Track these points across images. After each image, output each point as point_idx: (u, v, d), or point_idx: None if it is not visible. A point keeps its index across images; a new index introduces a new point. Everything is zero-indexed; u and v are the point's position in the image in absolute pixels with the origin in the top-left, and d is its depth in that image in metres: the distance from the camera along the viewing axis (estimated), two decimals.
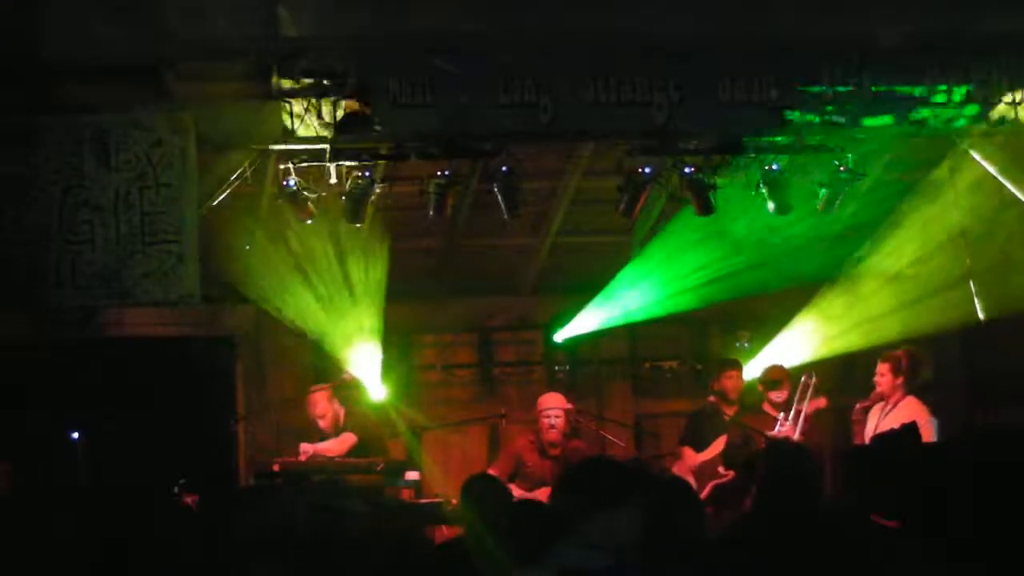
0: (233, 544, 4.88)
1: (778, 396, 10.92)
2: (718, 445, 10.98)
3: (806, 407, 10.68)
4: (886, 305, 11.95)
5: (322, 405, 11.33)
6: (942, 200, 11.38)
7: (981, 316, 11.45)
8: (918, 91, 10.10)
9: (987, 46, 10.14)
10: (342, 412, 11.41)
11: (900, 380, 10.15)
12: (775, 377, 11.10)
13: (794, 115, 10.05)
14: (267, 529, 4.87)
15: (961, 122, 10.27)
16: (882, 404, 10.25)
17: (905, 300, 11.79)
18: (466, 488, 6.85)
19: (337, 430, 11.32)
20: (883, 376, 10.20)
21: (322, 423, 11.33)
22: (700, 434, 11.30)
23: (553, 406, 11.09)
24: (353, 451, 11.19)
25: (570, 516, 4.78)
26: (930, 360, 10.29)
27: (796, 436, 10.45)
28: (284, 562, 4.85)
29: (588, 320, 12.72)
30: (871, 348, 11.31)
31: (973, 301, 11.42)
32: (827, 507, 6.42)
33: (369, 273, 11.78)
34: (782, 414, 10.71)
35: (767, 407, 11.08)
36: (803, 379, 10.80)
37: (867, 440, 10.12)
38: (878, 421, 10.14)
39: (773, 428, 10.67)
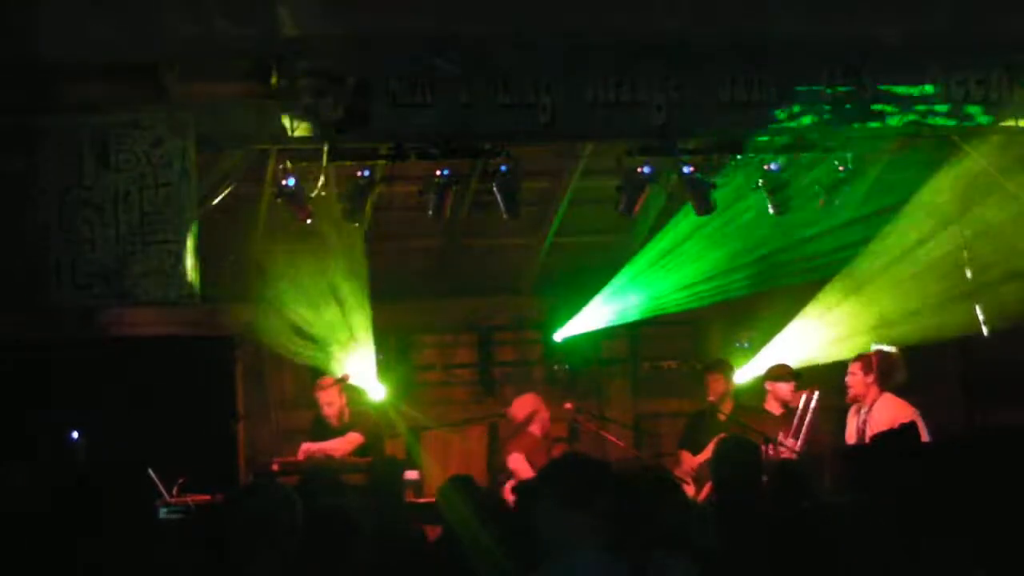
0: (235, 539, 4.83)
1: (783, 390, 10.93)
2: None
3: (809, 418, 10.59)
4: (886, 306, 11.93)
5: (338, 399, 11.28)
6: (942, 201, 11.37)
7: (981, 318, 11.42)
8: (918, 91, 10.10)
9: (987, 46, 10.13)
10: (347, 409, 11.39)
11: (871, 378, 10.02)
12: (779, 373, 11.12)
13: (793, 115, 10.05)
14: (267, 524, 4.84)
15: (961, 122, 10.27)
16: (858, 404, 10.17)
17: (905, 301, 11.77)
18: (458, 487, 6.84)
19: (342, 424, 11.28)
20: (854, 375, 10.10)
21: (327, 409, 11.25)
22: (695, 436, 11.30)
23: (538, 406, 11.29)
24: (358, 451, 11.16)
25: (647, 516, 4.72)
26: (903, 363, 10.15)
27: (798, 448, 10.40)
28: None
29: (587, 320, 12.72)
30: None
31: (973, 303, 11.39)
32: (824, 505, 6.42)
33: (364, 274, 11.76)
34: (781, 434, 10.61)
35: (769, 406, 11.10)
36: (804, 395, 10.75)
37: (848, 439, 10.12)
38: (857, 421, 10.09)
39: (773, 426, 10.65)
